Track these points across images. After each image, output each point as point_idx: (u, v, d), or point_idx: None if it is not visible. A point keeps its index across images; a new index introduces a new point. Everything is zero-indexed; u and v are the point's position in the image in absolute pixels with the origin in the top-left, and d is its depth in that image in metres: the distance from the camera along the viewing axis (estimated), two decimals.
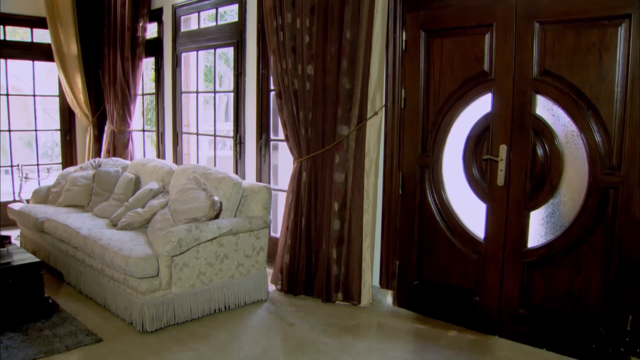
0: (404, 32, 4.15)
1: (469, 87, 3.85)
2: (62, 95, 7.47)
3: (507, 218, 3.70)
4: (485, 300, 3.87)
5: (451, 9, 3.89)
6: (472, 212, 3.94)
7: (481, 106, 3.81)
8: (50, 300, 4.14)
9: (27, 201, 6.19)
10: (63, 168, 7.38)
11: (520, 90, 3.57)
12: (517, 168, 3.63)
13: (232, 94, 5.67)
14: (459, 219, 4.02)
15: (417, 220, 4.22)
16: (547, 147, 3.51)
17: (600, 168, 3.30)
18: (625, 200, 3.23)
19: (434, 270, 4.17)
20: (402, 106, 4.22)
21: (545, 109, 3.52)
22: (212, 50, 6.03)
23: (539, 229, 3.63)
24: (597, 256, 3.35)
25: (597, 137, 3.30)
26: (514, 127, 3.61)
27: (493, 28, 3.66)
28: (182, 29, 6.30)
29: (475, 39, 3.78)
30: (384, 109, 4.28)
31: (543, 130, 3.51)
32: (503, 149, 3.66)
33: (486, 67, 3.74)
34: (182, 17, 6.28)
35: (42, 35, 7.22)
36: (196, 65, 6.35)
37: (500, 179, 3.69)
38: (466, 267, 3.97)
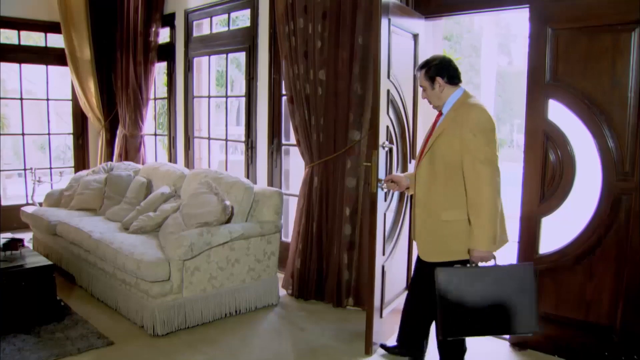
0: None
1: None
2: (75, 99, 7.53)
3: (519, 224, 3.68)
4: None
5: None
6: None
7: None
8: (62, 303, 4.16)
9: (40, 204, 6.24)
10: (75, 172, 7.42)
11: (533, 96, 3.55)
12: (529, 173, 3.61)
13: (243, 99, 5.69)
14: None
15: None
16: (559, 152, 3.49)
17: (613, 174, 3.28)
18: (638, 206, 3.20)
19: None
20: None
21: (558, 114, 3.50)
22: (224, 55, 6.06)
23: (550, 235, 3.60)
24: (610, 262, 3.33)
25: (610, 143, 3.27)
26: (527, 132, 3.60)
27: None
28: (195, 34, 6.34)
29: None
30: None
31: (556, 136, 3.49)
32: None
33: None
34: (195, 22, 6.32)
35: (55, 40, 7.27)
36: (208, 69, 6.38)
37: None
38: None
